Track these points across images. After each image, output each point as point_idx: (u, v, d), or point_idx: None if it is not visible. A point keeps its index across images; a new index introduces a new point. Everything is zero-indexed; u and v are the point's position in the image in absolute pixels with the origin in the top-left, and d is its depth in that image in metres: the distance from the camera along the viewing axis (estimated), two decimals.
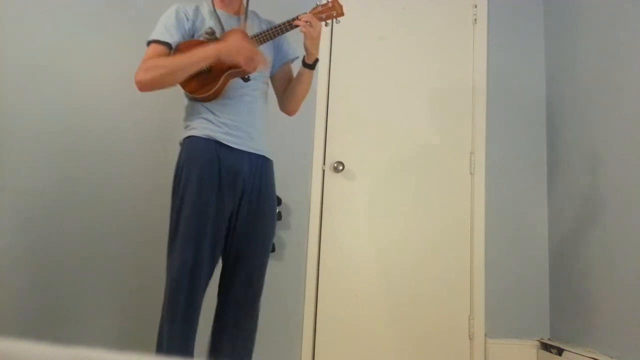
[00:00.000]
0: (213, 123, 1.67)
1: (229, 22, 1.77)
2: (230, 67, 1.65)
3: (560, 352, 2.34)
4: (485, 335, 2.53)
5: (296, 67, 1.88)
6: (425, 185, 2.66)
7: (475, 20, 2.81)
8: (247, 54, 1.60)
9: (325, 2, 1.75)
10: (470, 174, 2.68)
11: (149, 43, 1.70)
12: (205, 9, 1.78)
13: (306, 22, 1.68)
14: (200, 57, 1.61)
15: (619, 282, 2.07)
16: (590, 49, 2.41)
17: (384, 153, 2.67)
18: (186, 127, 1.72)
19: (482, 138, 2.70)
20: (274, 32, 1.70)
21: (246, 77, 1.71)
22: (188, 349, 1.61)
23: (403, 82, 2.74)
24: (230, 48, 1.60)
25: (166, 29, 1.69)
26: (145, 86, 1.63)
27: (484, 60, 2.77)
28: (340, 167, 2.62)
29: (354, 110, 2.69)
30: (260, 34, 1.70)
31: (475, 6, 2.82)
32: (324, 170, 2.63)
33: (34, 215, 2.27)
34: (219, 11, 1.78)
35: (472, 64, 2.77)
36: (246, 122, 1.71)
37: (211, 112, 1.69)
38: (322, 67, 2.63)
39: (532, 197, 2.68)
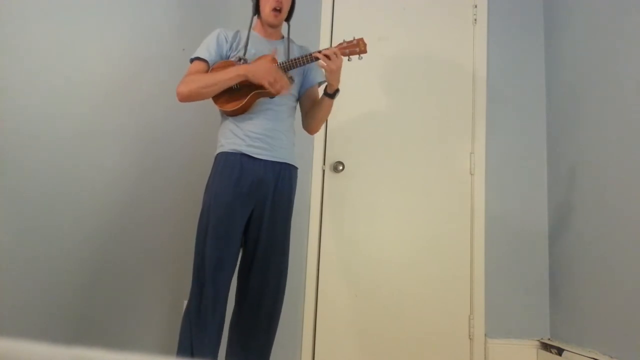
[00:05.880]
0: (237, 136, 1.88)
1: (266, 46, 1.96)
2: (257, 88, 1.84)
3: (560, 352, 2.34)
4: (485, 335, 2.53)
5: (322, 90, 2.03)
6: (425, 185, 2.66)
7: (475, 20, 2.81)
8: (271, 78, 1.79)
9: (351, 39, 1.88)
10: (470, 174, 2.68)
11: (191, 60, 1.93)
12: (245, 34, 1.98)
13: (325, 55, 1.82)
14: (231, 75, 1.82)
15: (619, 282, 2.07)
16: (590, 49, 2.41)
17: (384, 153, 2.67)
18: (218, 144, 1.94)
19: (482, 138, 2.70)
20: (296, 62, 1.86)
21: (271, 96, 1.89)
22: (214, 339, 1.79)
23: (403, 82, 2.74)
24: (258, 70, 1.80)
25: (207, 49, 1.92)
26: (184, 97, 1.86)
27: (484, 60, 2.77)
28: (340, 167, 2.62)
29: (354, 110, 2.69)
30: (286, 62, 1.86)
31: (475, 6, 2.82)
32: (324, 170, 2.63)
33: (35, 219, 2.27)
34: (257, 36, 2.01)
35: (472, 64, 2.77)
36: (268, 134, 1.89)
37: (237, 125, 1.89)
38: None
39: (532, 197, 2.68)
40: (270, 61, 1.84)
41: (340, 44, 1.89)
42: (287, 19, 2.06)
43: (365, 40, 1.90)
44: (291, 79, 1.92)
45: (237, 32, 1.99)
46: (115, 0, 2.48)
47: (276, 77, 1.80)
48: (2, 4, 2.31)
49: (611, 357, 2.06)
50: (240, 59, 1.90)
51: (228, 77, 1.81)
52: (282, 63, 1.87)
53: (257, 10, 2.00)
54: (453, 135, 2.71)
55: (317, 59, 1.85)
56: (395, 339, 2.52)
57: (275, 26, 2.00)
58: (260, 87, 1.83)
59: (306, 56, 1.86)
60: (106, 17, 2.46)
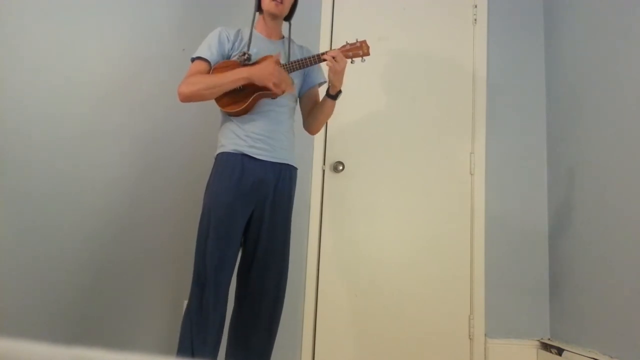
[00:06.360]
0: (239, 137, 1.87)
1: (267, 46, 1.95)
2: (261, 89, 1.84)
3: (560, 352, 2.34)
4: (485, 335, 2.53)
5: (323, 90, 2.05)
6: (425, 185, 2.66)
7: (475, 20, 2.81)
8: (276, 79, 1.79)
9: (354, 41, 1.90)
10: (470, 174, 2.68)
11: (193, 59, 1.91)
12: (246, 32, 1.97)
13: (332, 57, 1.83)
14: (235, 78, 1.81)
15: (619, 282, 2.07)
16: (590, 49, 2.41)
17: (384, 153, 2.67)
18: (219, 145, 1.93)
19: (482, 138, 2.70)
20: (303, 63, 1.87)
21: (274, 97, 1.89)
22: (214, 339, 1.79)
23: (403, 82, 2.74)
24: (262, 72, 1.79)
25: (209, 48, 1.90)
26: (186, 98, 1.83)
27: (484, 60, 2.77)
28: (340, 167, 2.62)
29: (354, 111, 2.69)
30: (291, 63, 1.87)
31: (475, 6, 2.82)
32: (324, 170, 2.63)
33: (39, 220, 2.27)
34: (259, 35, 1.98)
35: (472, 64, 2.77)
36: (269, 135, 1.89)
37: (238, 126, 1.89)
38: (322, 67, 2.64)
39: (532, 197, 2.68)
40: (273, 62, 1.83)
41: (344, 46, 1.90)
42: (288, 18, 2.06)
43: (368, 43, 1.90)
44: (291, 80, 1.92)
45: (239, 30, 1.98)
46: (115, 0, 2.49)
47: (280, 78, 1.80)
48: (2, 4, 2.31)
49: (611, 357, 2.06)
50: (244, 54, 1.89)
51: (231, 79, 1.80)
52: (289, 64, 1.87)
53: (259, 6, 2.00)
54: (453, 135, 2.71)
55: (323, 59, 1.85)
56: (395, 339, 2.52)
57: (276, 17, 1.98)
58: (264, 88, 1.83)
59: (313, 57, 1.87)
60: (106, 17, 2.46)
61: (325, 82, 2.11)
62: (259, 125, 1.88)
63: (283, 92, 1.83)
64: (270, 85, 1.79)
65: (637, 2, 2.09)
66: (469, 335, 2.54)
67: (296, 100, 2.06)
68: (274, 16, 1.97)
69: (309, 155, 2.61)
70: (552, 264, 2.60)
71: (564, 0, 2.66)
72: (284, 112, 1.95)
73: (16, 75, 2.30)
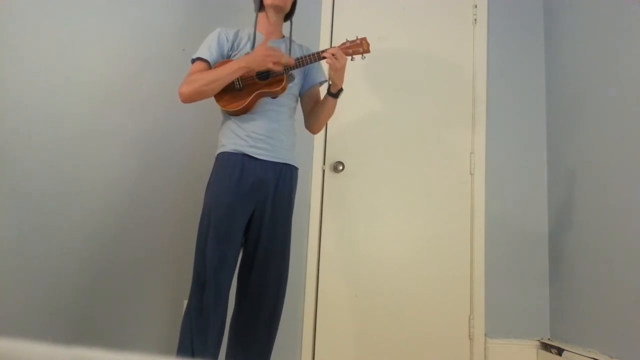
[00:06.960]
0: (240, 137, 1.86)
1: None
2: (261, 87, 1.83)
3: (560, 352, 2.34)
4: (485, 335, 2.53)
5: (323, 90, 2.05)
6: (425, 185, 2.66)
7: (475, 20, 2.81)
8: (273, 59, 1.77)
9: (354, 38, 1.90)
10: (470, 174, 2.68)
11: (193, 60, 1.91)
12: (246, 33, 1.97)
13: (332, 54, 1.82)
14: (233, 69, 1.79)
15: (619, 282, 2.07)
16: (590, 49, 2.41)
17: (384, 153, 2.67)
18: (219, 144, 1.92)
19: (482, 138, 2.70)
20: (303, 61, 1.85)
21: (274, 96, 1.88)
22: (215, 340, 1.79)
23: (403, 82, 2.74)
24: (258, 55, 1.78)
25: (208, 49, 1.90)
26: (187, 98, 1.83)
27: (484, 60, 2.77)
28: (340, 167, 2.62)
29: (354, 110, 2.69)
30: (295, 61, 1.85)
31: (475, 6, 2.82)
32: (324, 170, 2.63)
33: (39, 220, 2.27)
34: (260, 35, 1.97)
35: (472, 64, 2.77)
36: (270, 135, 1.89)
37: (239, 125, 1.88)
38: (323, 66, 2.64)
39: (532, 197, 2.68)
40: (262, 45, 1.81)
41: (344, 43, 1.89)
42: (289, 17, 2.05)
43: (368, 40, 1.89)
44: (291, 77, 1.91)
45: (238, 31, 1.98)
46: (115, 0, 2.49)
47: (277, 55, 1.79)
48: (2, 4, 2.31)
49: (611, 357, 2.06)
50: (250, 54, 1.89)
51: (230, 71, 1.79)
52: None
53: (260, 5, 1.99)
54: (453, 135, 2.71)
55: (323, 57, 1.85)
56: (395, 339, 2.52)
57: (280, 9, 1.97)
58: (264, 86, 1.83)
59: (313, 55, 1.86)
60: (106, 17, 2.46)
61: (325, 81, 2.10)
62: (260, 124, 1.87)
63: (287, 65, 1.80)
64: (270, 65, 1.77)
65: (636, 1, 2.09)
66: (469, 335, 2.54)
67: (297, 100, 2.05)
68: (277, 9, 1.96)
69: (309, 155, 2.61)
70: (552, 264, 2.60)
71: (564, 0, 2.66)
72: (284, 111, 1.94)
73: (16, 75, 2.30)
